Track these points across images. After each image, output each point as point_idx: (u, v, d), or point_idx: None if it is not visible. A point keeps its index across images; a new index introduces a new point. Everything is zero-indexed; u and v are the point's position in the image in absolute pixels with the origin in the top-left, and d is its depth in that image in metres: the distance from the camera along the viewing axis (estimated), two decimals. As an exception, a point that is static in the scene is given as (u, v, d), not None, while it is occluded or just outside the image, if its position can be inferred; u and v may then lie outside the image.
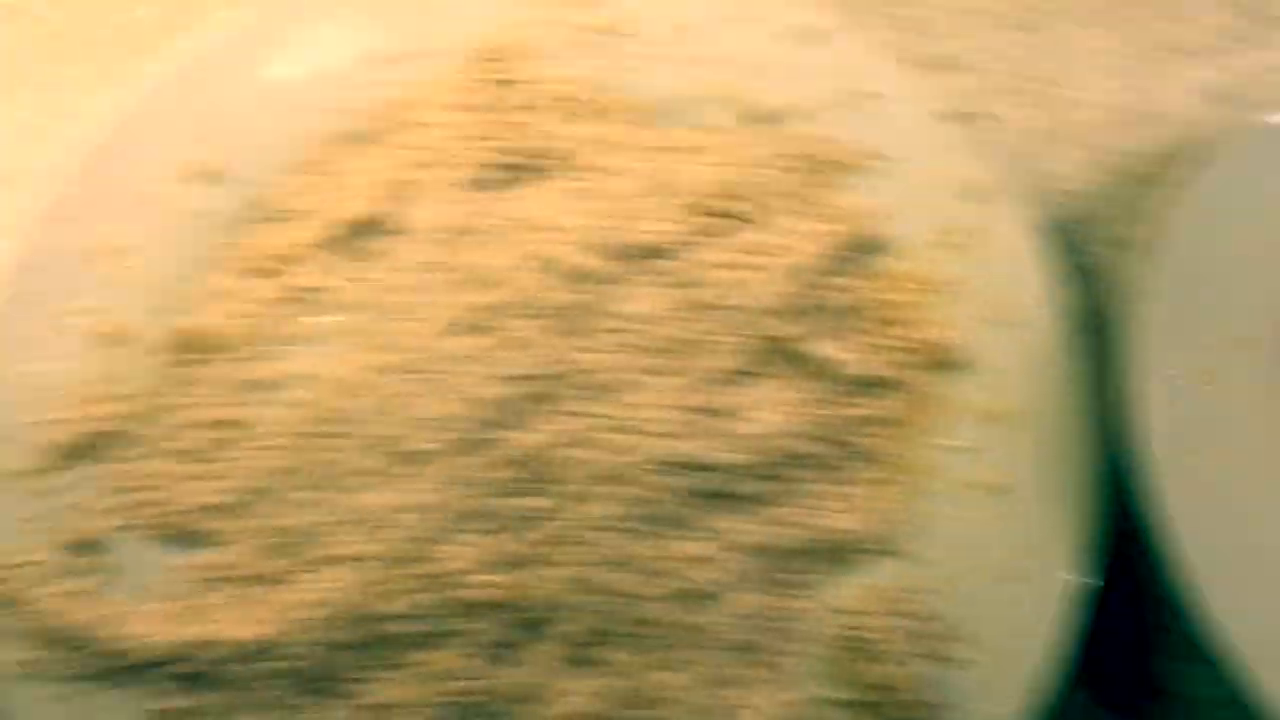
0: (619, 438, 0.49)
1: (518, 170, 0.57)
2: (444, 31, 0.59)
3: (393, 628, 0.46)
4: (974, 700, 0.46)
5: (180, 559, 0.50)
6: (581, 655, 0.46)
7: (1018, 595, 0.47)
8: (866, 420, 0.51)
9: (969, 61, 0.62)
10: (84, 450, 0.52)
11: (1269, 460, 0.46)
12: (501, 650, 0.46)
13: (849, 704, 0.46)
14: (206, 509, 0.51)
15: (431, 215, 0.55)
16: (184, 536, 0.51)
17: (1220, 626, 0.43)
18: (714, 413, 0.50)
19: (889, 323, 0.52)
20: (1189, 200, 0.50)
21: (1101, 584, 0.46)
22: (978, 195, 0.54)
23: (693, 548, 0.48)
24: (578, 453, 0.49)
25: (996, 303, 0.52)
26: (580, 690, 0.45)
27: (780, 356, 0.52)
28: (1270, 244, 0.49)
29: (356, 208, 0.55)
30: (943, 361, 0.51)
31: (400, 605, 0.46)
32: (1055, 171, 0.60)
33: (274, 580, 0.49)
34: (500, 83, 0.58)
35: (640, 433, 0.49)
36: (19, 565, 0.50)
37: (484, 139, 0.57)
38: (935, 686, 0.46)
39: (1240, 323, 0.48)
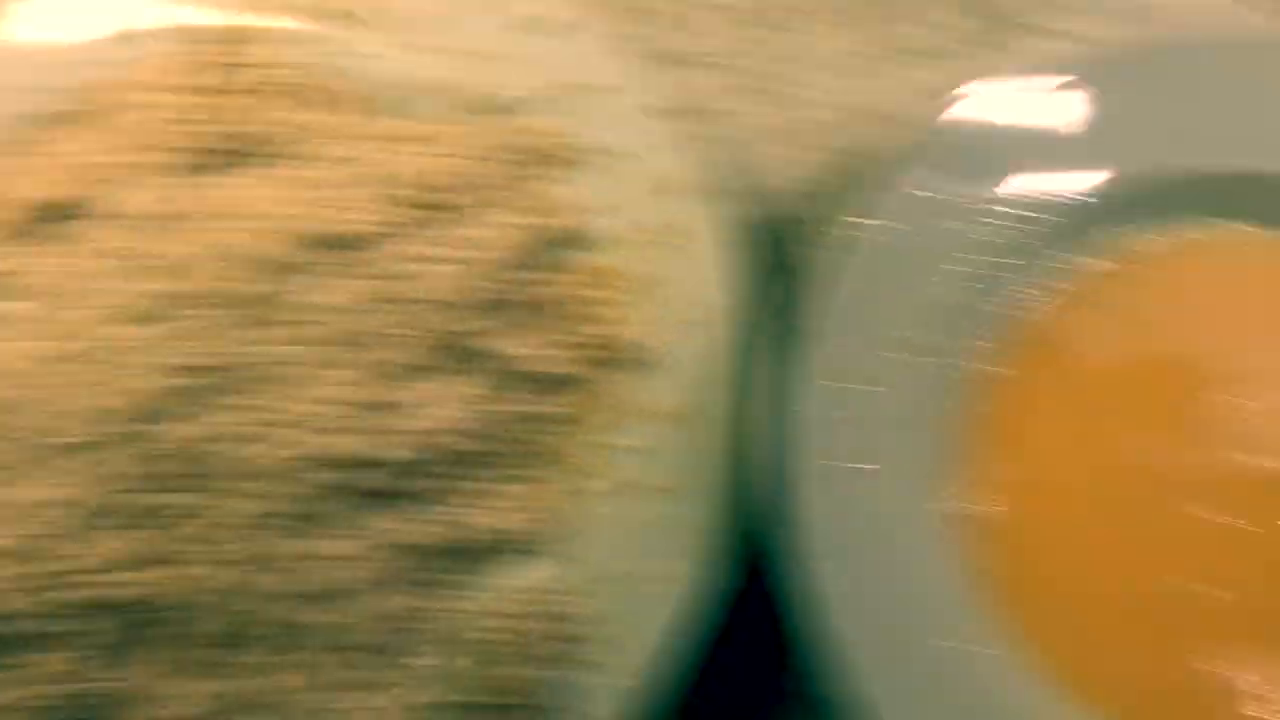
0: (277, 432, 0.48)
1: (227, 156, 0.55)
2: (163, 12, 0.57)
3: (4, 628, 0.45)
4: (603, 701, 0.45)
5: None
6: (206, 657, 0.45)
7: (661, 597, 0.46)
8: (539, 418, 0.50)
9: (707, 58, 0.61)
10: None
11: (907, 477, 0.46)
12: (120, 652, 0.45)
13: (475, 706, 0.45)
14: None
15: (129, 201, 0.53)
16: None
17: (835, 632, 0.43)
18: (380, 408, 0.49)
19: (574, 319, 0.51)
20: (873, 204, 0.49)
21: (740, 586, 0.46)
22: (678, 192, 0.53)
23: (337, 546, 0.46)
24: (231, 448, 0.47)
25: (683, 302, 0.51)
26: (192, 693, 0.44)
27: (458, 352, 0.50)
28: (943, 249, 0.49)
29: (44, 191, 0.53)
30: (622, 360, 0.50)
31: (18, 604, 0.45)
32: (782, 170, 0.59)
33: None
34: (217, 66, 0.57)
35: (300, 427, 0.48)
36: None
37: (194, 124, 0.55)
38: (565, 688, 0.44)
39: (891, 330, 0.47)
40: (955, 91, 0.53)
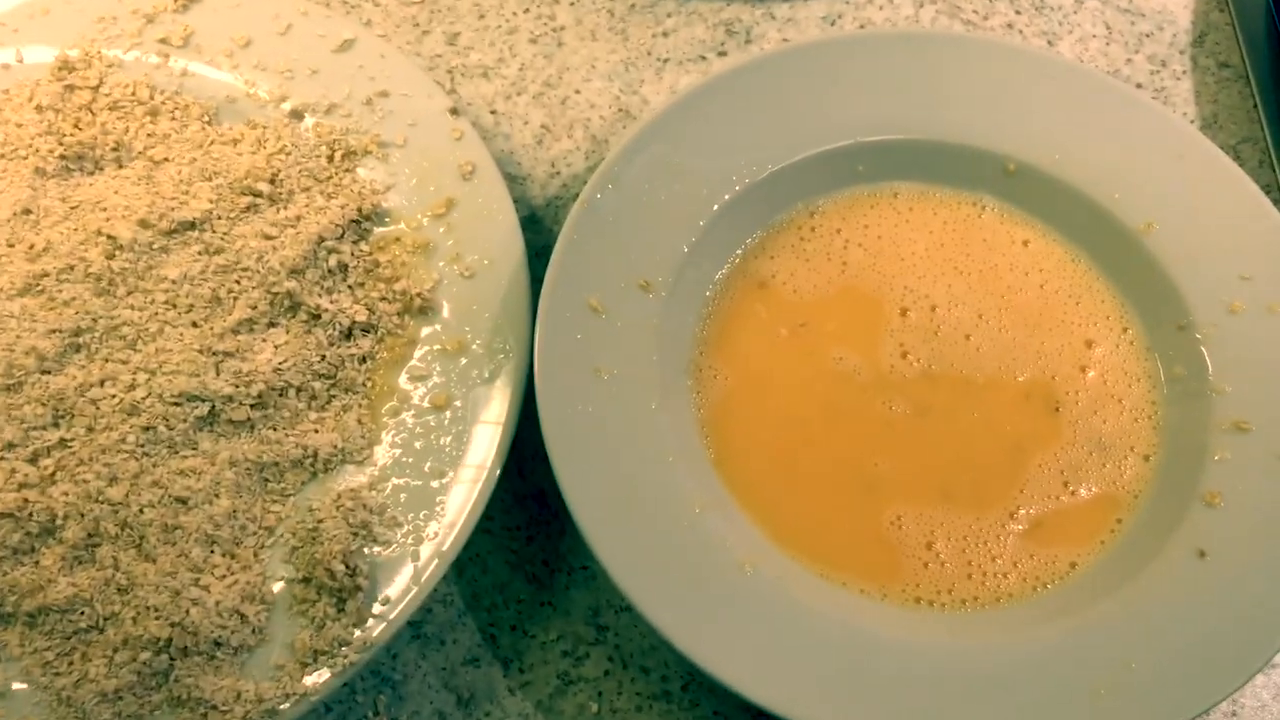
0: (139, 377, 0.59)
1: (89, 160, 0.67)
2: (34, 44, 0.69)
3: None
4: (396, 567, 0.56)
5: None
6: (80, 555, 0.55)
7: (439, 487, 0.58)
8: (349, 357, 0.61)
9: (500, 70, 0.74)
10: None
11: (636, 385, 0.58)
12: (13, 554, 0.56)
13: (296, 580, 0.56)
14: None
15: (4, 199, 0.65)
16: None
17: (573, 503, 0.55)
18: (222, 355, 0.60)
19: (378, 278, 0.63)
20: (616, 174, 0.62)
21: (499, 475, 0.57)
22: (463, 175, 0.65)
23: (185, 464, 0.57)
24: (101, 391, 0.59)
25: (463, 260, 0.63)
26: (72, 581, 0.55)
27: (286, 308, 0.62)
28: (669, 207, 0.61)
29: (-67, 195, 0.64)
30: (415, 308, 0.62)
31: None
32: (557, 156, 0.71)
33: None
34: (79, 88, 0.69)
35: (157, 373, 0.59)
36: None
37: (59, 135, 0.67)
38: (363, 560, 0.56)
39: (629, 273, 0.60)
40: (689, 86, 0.66)
